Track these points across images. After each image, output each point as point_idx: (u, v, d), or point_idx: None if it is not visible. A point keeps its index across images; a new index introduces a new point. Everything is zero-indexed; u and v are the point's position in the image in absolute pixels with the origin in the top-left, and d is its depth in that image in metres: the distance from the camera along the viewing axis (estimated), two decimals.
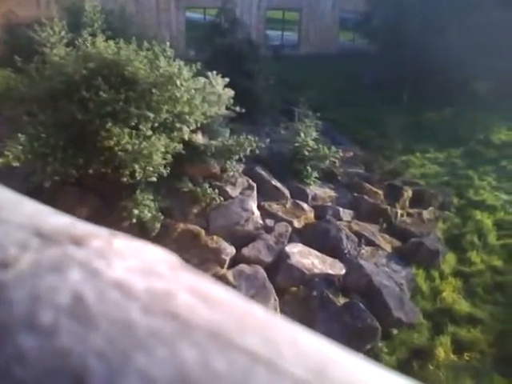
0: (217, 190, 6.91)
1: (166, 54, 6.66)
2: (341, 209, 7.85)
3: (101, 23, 8.48)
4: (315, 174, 8.42)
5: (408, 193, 8.75)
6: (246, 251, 6.45)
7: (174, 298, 0.28)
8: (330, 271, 6.34)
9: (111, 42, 6.42)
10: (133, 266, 0.30)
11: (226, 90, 7.83)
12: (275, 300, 5.81)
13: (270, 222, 7.10)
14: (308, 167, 8.32)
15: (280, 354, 0.26)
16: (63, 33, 7.05)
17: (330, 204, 8.08)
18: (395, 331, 5.68)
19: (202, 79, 7.55)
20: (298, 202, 7.73)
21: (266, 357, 0.26)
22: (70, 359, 0.24)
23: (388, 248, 7.31)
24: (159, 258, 0.33)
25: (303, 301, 5.89)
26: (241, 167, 7.74)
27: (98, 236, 0.33)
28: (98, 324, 0.26)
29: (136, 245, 0.33)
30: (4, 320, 0.25)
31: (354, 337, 5.32)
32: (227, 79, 7.85)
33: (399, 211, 8.24)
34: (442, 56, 12.26)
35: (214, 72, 7.81)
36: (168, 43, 6.80)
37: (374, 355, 5.28)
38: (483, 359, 5.43)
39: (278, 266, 6.27)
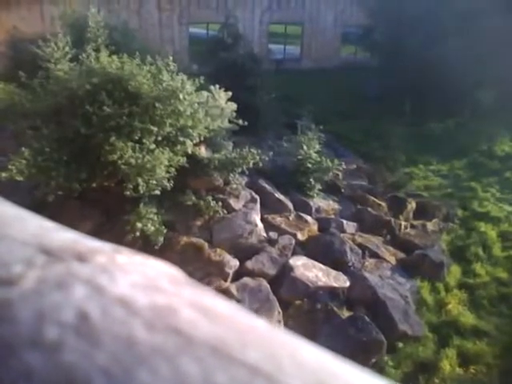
0: (220, 203, 6.91)
1: (169, 69, 6.70)
2: (344, 221, 7.84)
3: (104, 38, 8.53)
4: (318, 187, 8.41)
5: (412, 205, 8.73)
6: (249, 264, 6.43)
7: (177, 314, 0.28)
8: (334, 284, 6.31)
9: (115, 57, 6.47)
10: (136, 282, 0.30)
11: (229, 103, 7.87)
12: (279, 313, 5.77)
13: (273, 234, 7.09)
14: (311, 180, 8.31)
15: (280, 368, 0.26)
16: (67, 48, 7.09)
17: (333, 216, 8.08)
18: (400, 344, 5.64)
19: (205, 93, 7.59)
20: (302, 214, 7.72)
21: (267, 371, 0.26)
22: (74, 375, 0.24)
23: (392, 260, 7.28)
24: (162, 273, 0.33)
25: (307, 314, 5.85)
26: (244, 180, 7.74)
27: (102, 252, 0.33)
28: (102, 340, 0.26)
29: (139, 259, 0.34)
30: (10, 337, 0.26)
31: (358, 350, 5.27)
32: (230, 93, 7.89)
33: (403, 223, 8.22)
34: (444, 67, 12.26)
35: (217, 86, 7.86)
36: (171, 58, 6.84)
37: (379, 369, 5.23)
38: (489, 372, 5.38)
39: (282, 279, 6.25)
